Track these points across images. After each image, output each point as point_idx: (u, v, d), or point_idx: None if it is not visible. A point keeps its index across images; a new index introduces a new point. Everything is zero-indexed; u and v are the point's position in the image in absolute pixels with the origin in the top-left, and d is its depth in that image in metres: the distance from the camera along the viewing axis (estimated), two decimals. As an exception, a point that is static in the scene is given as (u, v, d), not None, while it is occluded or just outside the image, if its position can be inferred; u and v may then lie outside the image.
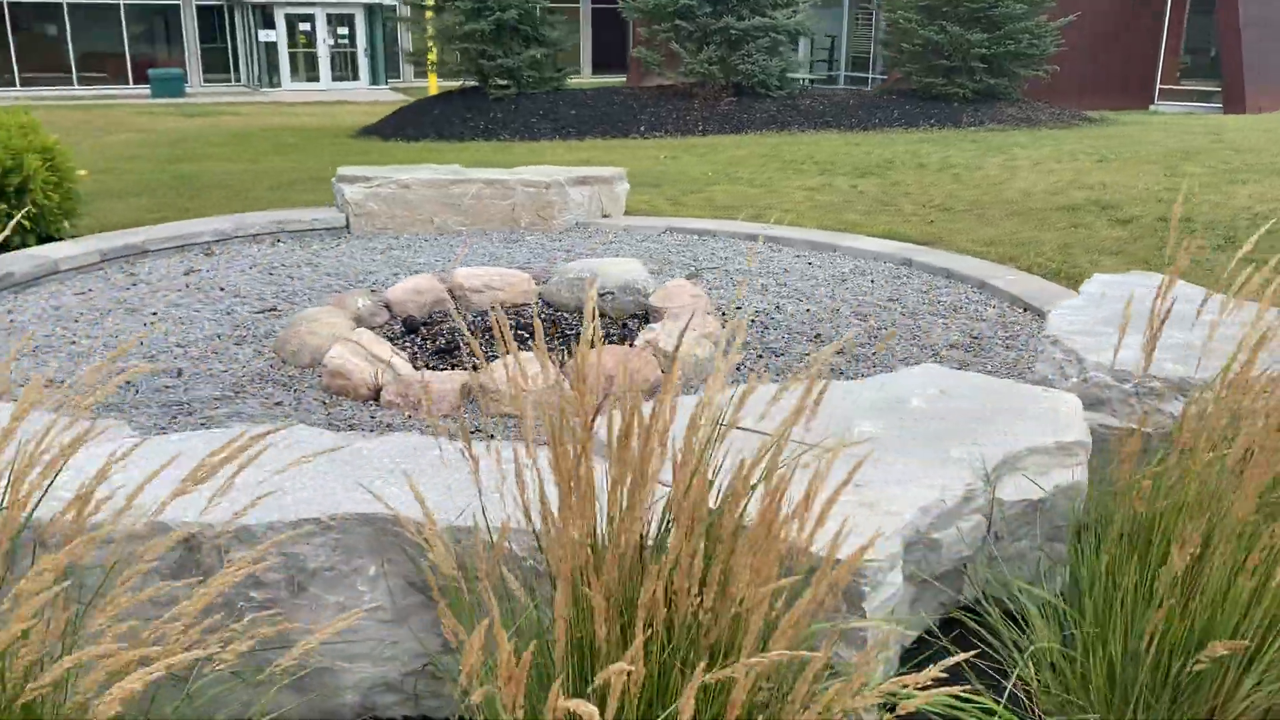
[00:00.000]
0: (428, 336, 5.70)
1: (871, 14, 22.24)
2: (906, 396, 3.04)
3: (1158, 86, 21.50)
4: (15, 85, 27.84)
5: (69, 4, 28.01)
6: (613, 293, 6.13)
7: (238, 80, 30.48)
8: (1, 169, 6.67)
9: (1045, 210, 8.84)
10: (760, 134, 14.57)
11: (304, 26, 29.34)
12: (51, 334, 5.38)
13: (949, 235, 7.87)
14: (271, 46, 29.23)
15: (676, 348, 1.74)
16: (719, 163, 11.83)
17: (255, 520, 2.22)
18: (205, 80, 30.21)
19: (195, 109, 23.75)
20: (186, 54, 29.80)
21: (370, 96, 26.88)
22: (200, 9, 29.56)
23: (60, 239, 7.03)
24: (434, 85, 25.21)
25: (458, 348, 5.51)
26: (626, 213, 8.60)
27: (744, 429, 2.33)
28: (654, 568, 1.55)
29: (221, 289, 6.24)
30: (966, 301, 6.12)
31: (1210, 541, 2.07)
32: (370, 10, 29.67)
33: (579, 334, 5.81)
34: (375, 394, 4.71)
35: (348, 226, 7.70)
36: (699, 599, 1.57)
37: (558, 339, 5.71)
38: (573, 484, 1.61)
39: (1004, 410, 2.95)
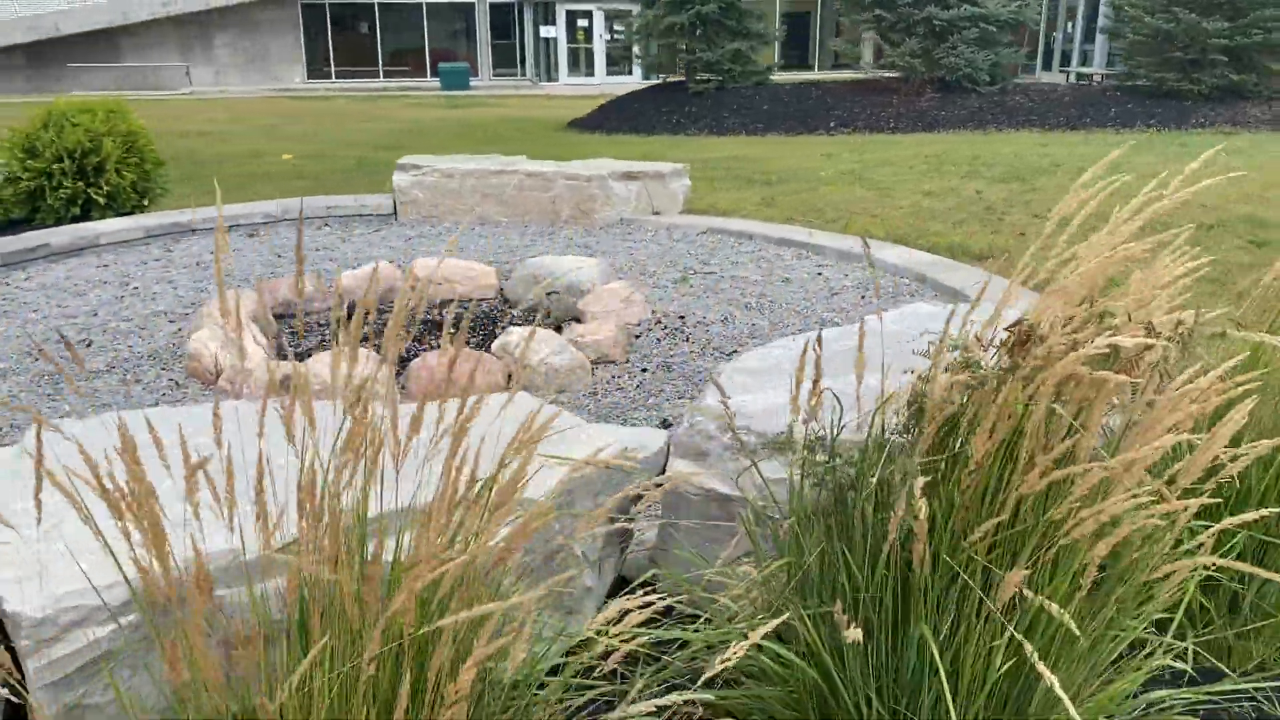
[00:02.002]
0: (363, 324, 5.72)
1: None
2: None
3: None
4: (331, 78, 30.96)
5: (379, 4, 30.76)
6: (558, 292, 5.88)
7: (522, 74, 32.21)
8: (81, 150, 7.41)
9: (1175, 226, 7.50)
10: (953, 133, 13.40)
11: (582, 23, 30.49)
12: (28, 301, 5.91)
13: (1022, 251, 6.88)
14: (551, 42, 30.63)
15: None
16: (867, 162, 11.03)
17: None
18: (495, 74, 32.16)
19: (466, 101, 25.36)
20: (479, 49, 31.87)
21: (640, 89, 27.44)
22: (493, 6, 31.47)
23: (134, 214, 7.72)
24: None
25: (372, 335, 5.49)
26: (689, 210, 8.22)
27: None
28: None
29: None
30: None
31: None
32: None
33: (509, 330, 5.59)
34: (218, 377, 4.79)
35: (395, 214, 7.89)
36: None
37: (478, 334, 5.54)
38: None
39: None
